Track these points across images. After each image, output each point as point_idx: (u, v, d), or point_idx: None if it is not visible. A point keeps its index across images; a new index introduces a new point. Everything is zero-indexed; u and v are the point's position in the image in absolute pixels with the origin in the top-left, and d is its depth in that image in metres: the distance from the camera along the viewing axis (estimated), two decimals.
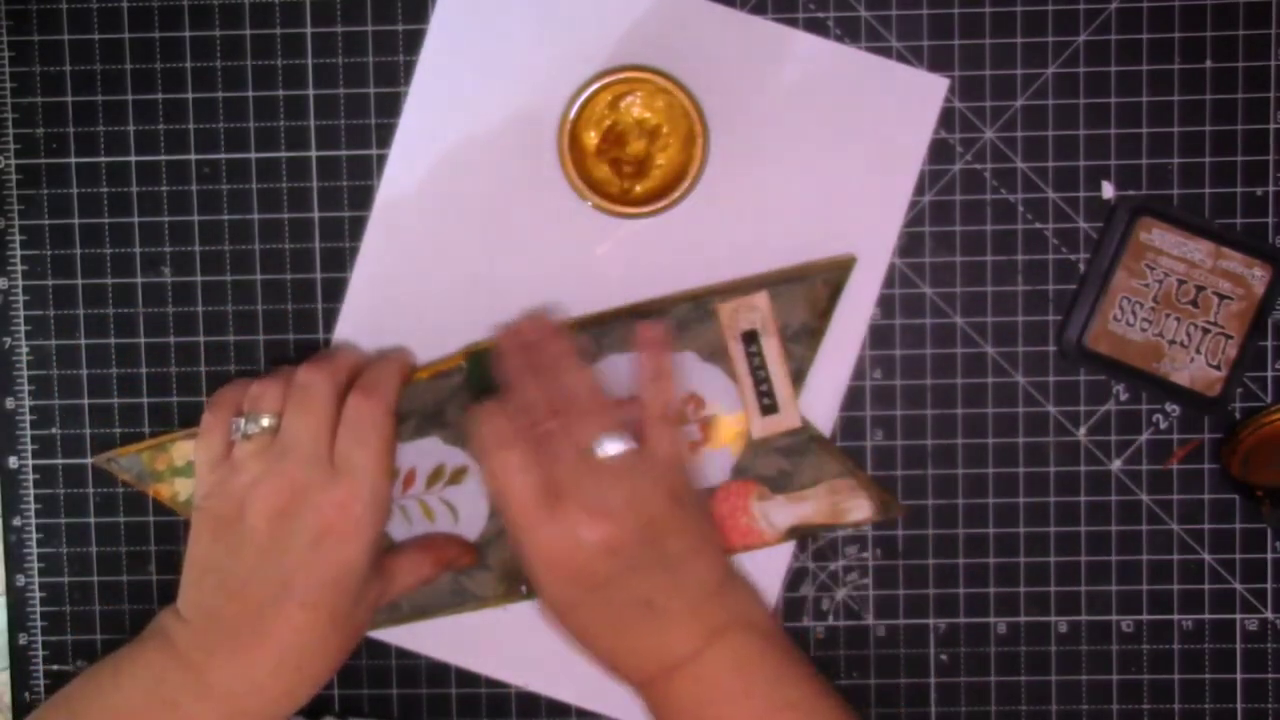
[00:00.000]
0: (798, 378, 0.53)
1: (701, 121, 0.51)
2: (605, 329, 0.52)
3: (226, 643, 0.47)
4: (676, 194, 0.51)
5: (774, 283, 0.52)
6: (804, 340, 0.52)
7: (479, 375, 0.52)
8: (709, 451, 0.53)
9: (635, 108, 0.52)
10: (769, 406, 0.52)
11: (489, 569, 0.54)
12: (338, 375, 0.50)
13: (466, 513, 0.54)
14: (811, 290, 0.52)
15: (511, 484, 0.47)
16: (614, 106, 0.52)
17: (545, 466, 0.47)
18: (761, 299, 0.52)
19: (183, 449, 0.53)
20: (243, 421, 0.49)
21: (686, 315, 0.52)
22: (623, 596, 0.47)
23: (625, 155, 0.52)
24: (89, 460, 0.55)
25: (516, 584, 0.54)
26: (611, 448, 0.48)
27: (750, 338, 0.52)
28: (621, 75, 0.51)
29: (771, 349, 0.52)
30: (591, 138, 0.52)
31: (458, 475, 0.54)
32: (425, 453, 0.53)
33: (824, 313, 0.52)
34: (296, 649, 0.47)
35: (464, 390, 0.53)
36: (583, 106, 0.51)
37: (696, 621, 0.48)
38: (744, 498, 0.53)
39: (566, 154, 0.51)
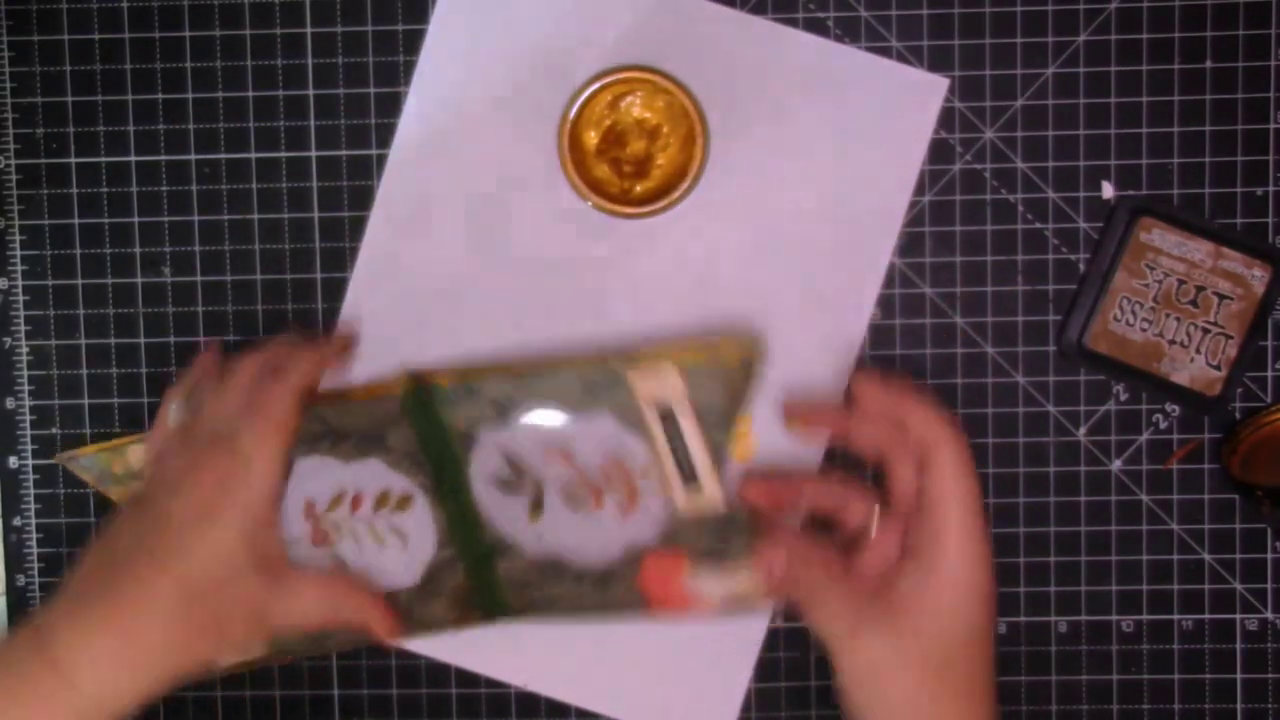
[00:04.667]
0: (716, 461, 0.51)
1: (701, 121, 0.51)
2: (522, 381, 0.51)
3: (80, 609, 0.45)
4: (676, 194, 0.51)
5: (682, 358, 0.50)
6: (722, 426, 0.50)
7: (415, 401, 0.51)
8: (635, 517, 0.52)
9: (635, 108, 0.52)
10: (692, 484, 0.51)
11: (440, 595, 0.53)
12: (266, 361, 0.49)
13: (415, 540, 0.52)
14: (729, 376, 0.50)
15: (976, 491, 0.47)
16: (614, 106, 0.52)
17: None
18: (674, 376, 0.50)
19: (137, 452, 0.53)
20: (173, 408, 0.49)
21: (595, 378, 0.51)
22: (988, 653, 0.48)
23: (625, 155, 0.52)
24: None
25: (470, 610, 0.53)
26: None
27: (667, 416, 0.50)
28: (621, 75, 0.51)
29: (690, 429, 0.50)
30: (591, 138, 0.52)
31: (404, 502, 0.52)
32: (370, 476, 0.52)
33: (739, 396, 0.51)
34: (149, 624, 0.45)
35: (404, 417, 0.52)
36: (583, 106, 0.51)
37: None
38: (675, 564, 0.51)
39: (566, 154, 0.51)
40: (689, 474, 0.50)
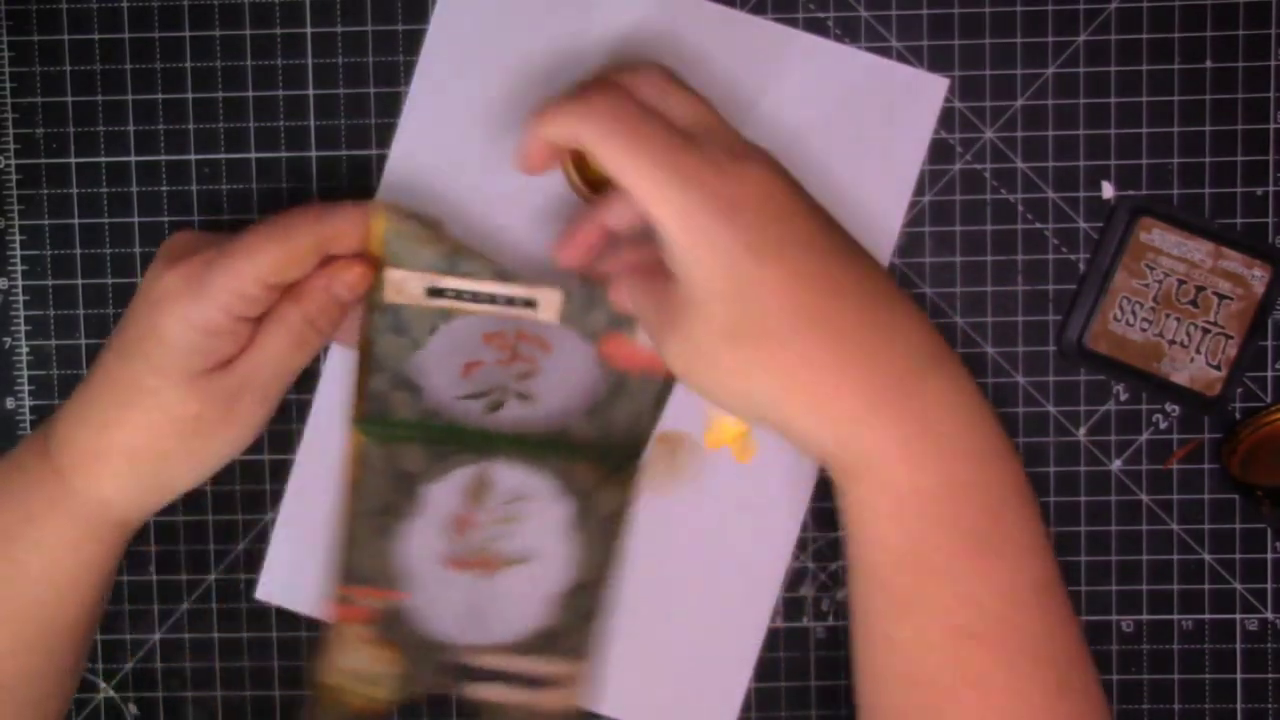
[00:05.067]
0: (509, 276, 0.49)
1: None
2: (373, 355, 0.50)
3: (72, 410, 0.46)
4: None
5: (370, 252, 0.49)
6: (461, 257, 0.48)
7: (377, 436, 0.52)
8: (557, 347, 0.51)
9: None
10: (531, 306, 0.50)
11: (602, 488, 0.53)
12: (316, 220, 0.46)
13: (532, 491, 0.53)
14: (404, 230, 0.47)
15: (641, 129, 0.40)
16: None
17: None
18: (386, 270, 0.48)
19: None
20: None
21: (387, 320, 0.50)
22: (819, 239, 0.40)
23: None
24: None
25: (623, 476, 0.53)
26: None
27: (434, 291, 0.49)
28: None
29: (455, 281, 0.49)
30: None
31: (483, 485, 0.53)
32: (438, 503, 0.53)
33: (423, 235, 0.48)
34: (122, 431, 0.45)
35: (388, 448, 0.52)
36: None
37: (924, 319, 0.41)
38: (621, 345, 0.50)
39: (567, 154, 0.51)
40: (519, 303, 0.50)
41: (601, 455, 0.53)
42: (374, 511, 0.53)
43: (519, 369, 0.52)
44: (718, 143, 0.42)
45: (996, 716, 0.38)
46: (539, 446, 0.53)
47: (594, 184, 0.52)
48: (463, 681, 0.53)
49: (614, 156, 0.41)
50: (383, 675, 0.53)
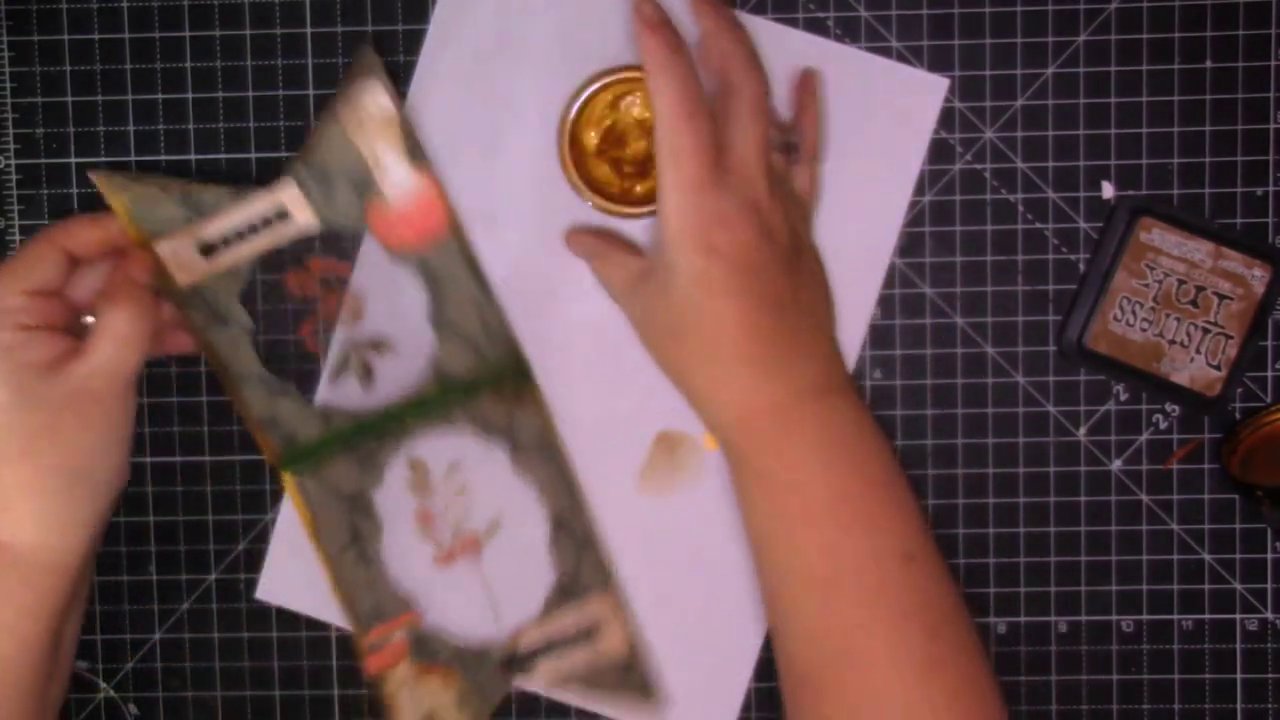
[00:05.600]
0: (236, 195, 0.52)
1: None
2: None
3: None
4: None
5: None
6: (171, 199, 0.51)
7: (292, 461, 0.53)
8: (350, 260, 0.53)
9: (635, 108, 0.52)
10: (281, 214, 0.52)
11: (504, 414, 0.54)
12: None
13: (470, 462, 0.54)
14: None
15: (686, 135, 0.46)
16: (614, 106, 0.52)
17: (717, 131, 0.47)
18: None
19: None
20: None
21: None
22: (769, 292, 0.47)
23: (625, 155, 0.52)
24: None
25: (522, 390, 0.53)
26: (775, 151, 0.49)
27: (206, 249, 0.51)
28: (621, 75, 0.51)
29: (205, 227, 0.51)
30: (591, 138, 0.52)
31: (420, 469, 0.54)
32: (392, 502, 0.54)
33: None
34: (14, 489, 0.47)
35: (311, 468, 0.53)
36: (583, 106, 0.51)
37: (831, 360, 0.49)
38: (381, 206, 0.52)
39: (566, 154, 0.51)
40: (274, 219, 0.52)
41: (491, 376, 0.53)
42: (345, 545, 0.53)
43: (346, 312, 0.53)
44: (741, 192, 0.46)
45: (881, 662, 0.45)
46: (437, 401, 0.53)
47: (592, 184, 0.52)
48: (523, 669, 0.54)
49: (664, 149, 0.46)
50: (452, 702, 0.53)
